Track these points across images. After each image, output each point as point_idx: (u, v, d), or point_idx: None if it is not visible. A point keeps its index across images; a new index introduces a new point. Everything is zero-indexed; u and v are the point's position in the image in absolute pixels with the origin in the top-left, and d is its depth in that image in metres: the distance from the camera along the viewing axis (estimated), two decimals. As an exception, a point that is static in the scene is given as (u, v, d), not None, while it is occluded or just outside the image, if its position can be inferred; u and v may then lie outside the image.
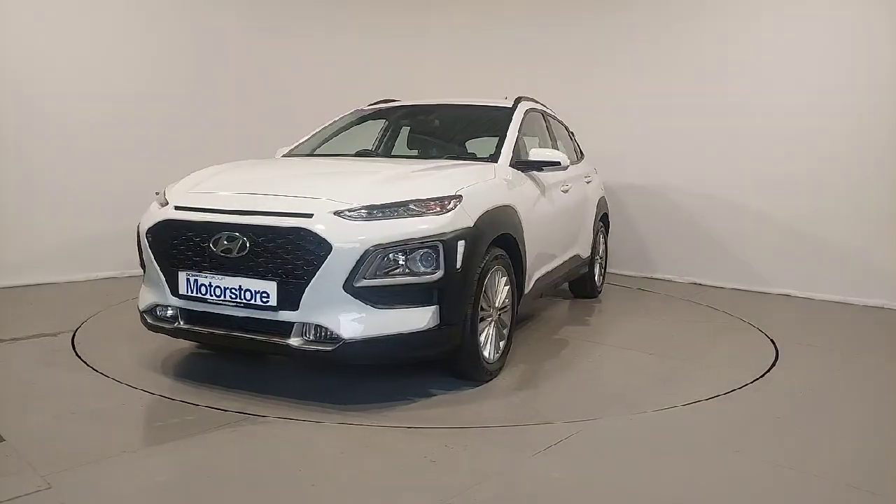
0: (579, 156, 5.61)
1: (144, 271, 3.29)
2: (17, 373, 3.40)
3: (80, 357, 3.62)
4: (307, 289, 2.80)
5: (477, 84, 7.22)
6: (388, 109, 4.96)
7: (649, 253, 6.83)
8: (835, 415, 3.17)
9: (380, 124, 4.98)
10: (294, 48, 7.18)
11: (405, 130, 4.97)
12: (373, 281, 2.82)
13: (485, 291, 3.24)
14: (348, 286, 2.79)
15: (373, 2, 7.73)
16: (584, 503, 2.24)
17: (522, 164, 3.94)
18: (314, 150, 4.54)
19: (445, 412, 2.99)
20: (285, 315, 2.86)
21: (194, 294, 3.00)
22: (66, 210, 5.68)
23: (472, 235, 3.06)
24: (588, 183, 5.39)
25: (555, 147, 4.81)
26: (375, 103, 5.11)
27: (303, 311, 2.83)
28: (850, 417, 3.13)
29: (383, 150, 4.79)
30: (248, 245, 2.87)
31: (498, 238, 3.35)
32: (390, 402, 3.07)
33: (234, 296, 2.91)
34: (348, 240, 2.79)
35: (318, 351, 2.87)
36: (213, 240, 2.94)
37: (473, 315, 3.14)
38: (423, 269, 2.90)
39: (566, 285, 5.60)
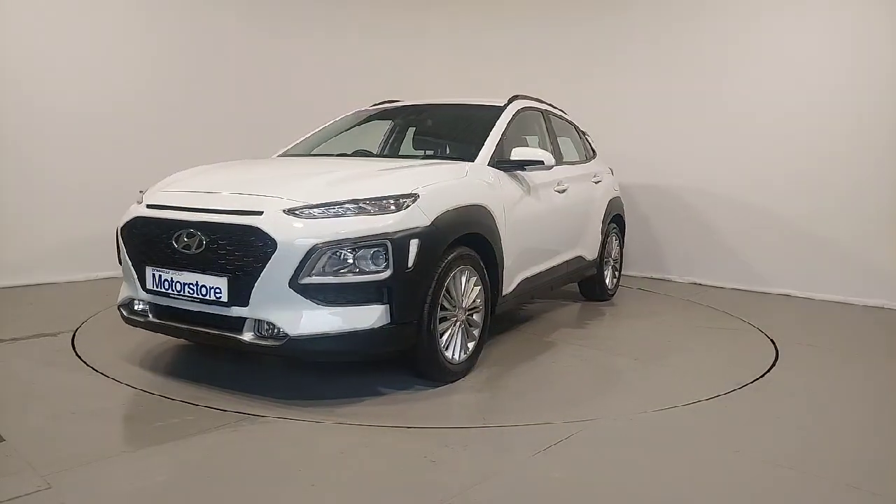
0: (589, 155, 5.52)
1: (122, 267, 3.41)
2: (17, 373, 3.40)
3: (80, 357, 3.63)
4: (256, 285, 2.85)
5: (479, 84, 7.23)
6: (385, 110, 4.98)
7: (649, 253, 6.83)
8: (835, 415, 3.17)
9: (377, 124, 5.00)
10: (294, 48, 7.18)
11: (397, 130, 4.99)
12: (318, 278, 2.85)
13: (447, 291, 3.24)
14: (294, 283, 2.83)
15: (373, 2, 7.74)
16: (584, 503, 2.24)
17: (505, 163, 3.90)
18: (311, 150, 4.57)
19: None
20: (237, 311, 2.92)
21: (159, 289, 3.11)
22: (66, 210, 5.68)
23: (427, 234, 3.05)
24: (597, 183, 5.30)
25: (554, 147, 4.77)
26: (379, 103, 5.14)
27: (253, 307, 2.88)
28: (851, 417, 3.13)
29: (375, 149, 4.81)
30: (204, 242, 2.95)
31: (464, 238, 3.34)
32: (354, 398, 3.07)
33: (191, 291, 3.00)
34: (294, 237, 2.83)
35: (267, 346, 2.92)
36: (174, 237, 3.04)
37: (431, 315, 3.13)
38: (371, 267, 2.90)
39: (575, 287, 5.57)
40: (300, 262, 2.81)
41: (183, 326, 3.13)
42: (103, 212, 5.83)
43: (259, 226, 2.86)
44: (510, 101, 4.43)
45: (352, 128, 4.84)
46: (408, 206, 3.04)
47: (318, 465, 2.44)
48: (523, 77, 7.23)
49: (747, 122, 6.18)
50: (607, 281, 5.59)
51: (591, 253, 5.16)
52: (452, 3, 7.95)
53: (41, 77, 5.55)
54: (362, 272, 2.89)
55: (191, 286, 2.99)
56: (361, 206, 2.97)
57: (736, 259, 6.38)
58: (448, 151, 4.36)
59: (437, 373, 3.29)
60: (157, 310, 3.21)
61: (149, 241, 3.15)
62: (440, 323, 3.23)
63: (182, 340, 3.78)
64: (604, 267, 5.47)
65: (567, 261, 4.75)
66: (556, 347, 4.11)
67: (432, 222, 3.10)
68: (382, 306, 2.94)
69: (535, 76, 7.25)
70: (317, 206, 2.94)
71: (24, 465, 2.33)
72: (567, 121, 5.40)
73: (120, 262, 3.39)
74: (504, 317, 4.80)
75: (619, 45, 6.93)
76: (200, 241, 2.96)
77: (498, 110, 4.28)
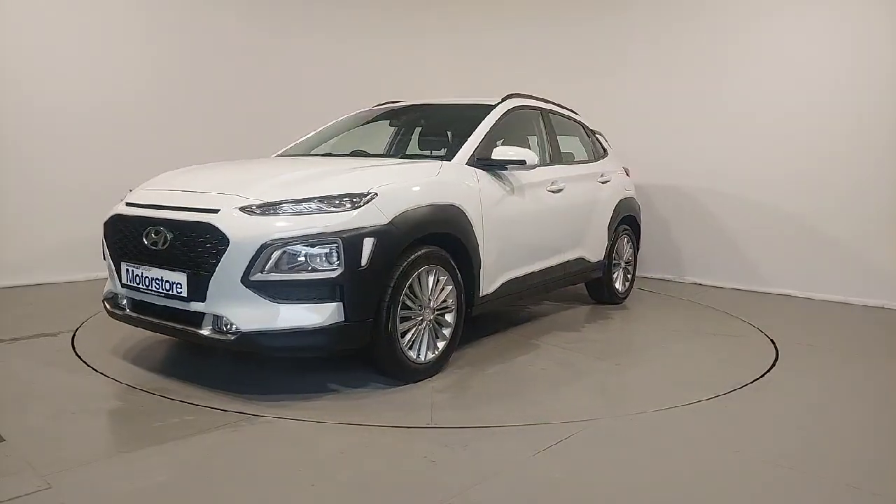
0: (598, 155, 5.41)
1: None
2: (17, 373, 3.40)
3: (80, 357, 3.63)
4: (211, 281, 2.92)
5: (486, 83, 7.21)
6: (387, 111, 4.99)
7: (650, 253, 6.82)
8: (835, 415, 3.17)
9: (378, 124, 5.01)
10: (295, 48, 7.17)
11: (403, 131, 4.98)
12: (269, 275, 2.89)
13: (411, 290, 3.25)
14: (245, 280, 2.88)
15: (374, 2, 7.74)
16: (584, 503, 2.24)
17: (485, 162, 3.87)
18: (310, 150, 4.59)
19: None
20: (196, 306, 3.00)
21: (131, 284, 3.25)
22: (66, 210, 5.68)
23: (384, 233, 3.06)
24: (604, 183, 5.18)
25: (552, 146, 4.70)
26: (383, 104, 5.16)
27: (209, 302, 2.96)
28: (851, 417, 3.13)
29: (375, 149, 4.81)
30: (169, 239, 3.04)
31: (431, 237, 3.35)
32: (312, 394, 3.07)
33: (157, 286, 3.10)
34: (245, 234, 2.89)
35: (223, 341, 2.98)
36: (144, 233, 3.15)
37: (390, 314, 3.13)
38: (323, 265, 2.92)
39: (583, 289, 5.49)
40: (251, 259, 2.87)
41: (155, 321, 3.22)
42: (103, 212, 5.78)
43: (213, 223, 2.94)
44: (502, 101, 4.39)
45: (353, 128, 4.85)
46: (363, 204, 3.06)
47: (318, 465, 2.44)
48: (526, 76, 7.23)
49: (748, 122, 6.18)
50: (617, 284, 5.46)
51: (595, 254, 5.06)
52: (453, 3, 7.95)
53: (41, 77, 5.55)
54: (314, 270, 2.92)
55: (157, 281, 3.10)
56: (316, 205, 3.01)
57: (736, 259, 6.38)
58: (440, 151, 4.34)
59: (398, 371, 3.29)
60: (132, 304, 3.33)
61: (124, 237, 3.28)
62: (404, 322, 3.23)
63: (182, 340, 3.79)
64: (612, 269, 5.35)
65: (565, 262, 4.68)
66: (539, 349, 4.05)
67: (390, 221, 3.11)
68: (335, 304, 2.96)
69: (537, 75, 7.24)
70: (271, 205, 2.99)
71: (24, 465, 2.33)
72: (574, 120, 5.31)
73: (104, 258, 3.51)
74: (499, 317, 4.81)
75: (617, 44, 6.93)
76: (166, 237, 3.05)
77: (487, 109, 4.25)
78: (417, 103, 4.97)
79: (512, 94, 4.53)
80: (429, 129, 4.72)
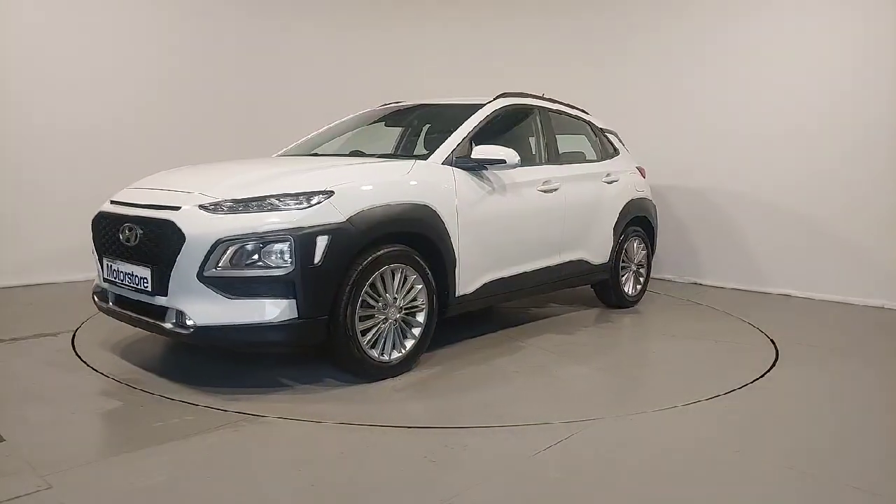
0: (608, 154, 5.31)
1: None
2: (17, 373, 3.40)
3: (80, 357, 3.63)
4: (171, 276, 3.02)
5: (494, 82, 7.20)
6: (388, 111, 5.00)
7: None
8: (835, 415, 3.17)
9: (380, 124, 5.00)
10: (295, 49, 7.17)
11: (410, 132, 4.97)
12: (222, 271, 2.96)
13: (374, 289, 3.26)
14: (200, 275, 2.96)
15: (375, 2, 7.75)
16: (584, 503, 2.24)
17: (465, 162, 3.85)
18: (311, 150, 4.60)
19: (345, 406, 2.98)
20: (160, 300, 3.10)
21: (109, 278, 3.39)
22: (66, 210, 5.67)
23: (340, 231, 3.09)
24: (610, 183, 5.08)
25: (549, 145, 4.62)
26: (387, 104, 5.17)
27: (171, 296, 3.05)
28: (851, 417, 3.13)
29: (375, 149, 4.82)
30: (139, 235, 3.16)
31: (398, 235, 3.37)
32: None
33: (129, 280, 3.23)
34: (200, 231, 2.98)
35: (181, 334, 3.07)
36: (119, 230, 3.26)
37: (347, 312, 3.14)
38: (275, 262, 2.97)
39: (589, 291, 5.41)
40: (206, 256, 2.95)
41: (131, 314, 3.32)
42: (103, 212, 5.85)
43: (173, 220, 3.04)
44: (491, 100, 4.35)
45: (357, 128, 4.86)
46: (318, 203, 3.09)
47: (318, 465, 2.44)
48: (527, 75, 7.22)
49: (747, 122, 6.18)
50: (627, 287, 5.31)
51: (598, 256, 4.96)
52: (454, 3, 7.95)
53: (41, 79, 5.56)
54: (266, 266, 2.97)
55: (129, 276, 3.23)
56: (272, 203, 3.06)
57: (736, 259, 6.38)
58: (417, 149, 4.34)
59: (360, 369, 3.30)
60: (112, 297, 3.46)
61: (105, 233, 3.42)
62: (366, 320, 3.25)
63: (181, 340, 3.78)
64: (621, 272, 5.22)
65: (563, 263, 4.61)
66: (523, 351, 4.00)
67: (348, 219, 3.13)
68: (287, 301, 3.00)
69: (550, 73, 7.21)
70: (229, 202, 3.07)
71: (24, 465, 2.33)
72: (580, 119, 5.22)
73: (93, 253, 3.62)
74: (495, 318, 4.81)
75: (617, 42, 6.94)
76: (137, 234, 3.17)
77: (474, 108, 4.23)
78: (421, 103, 4.95)
79: (504, 94, 4.49)
80: (432, 128, 4.71)
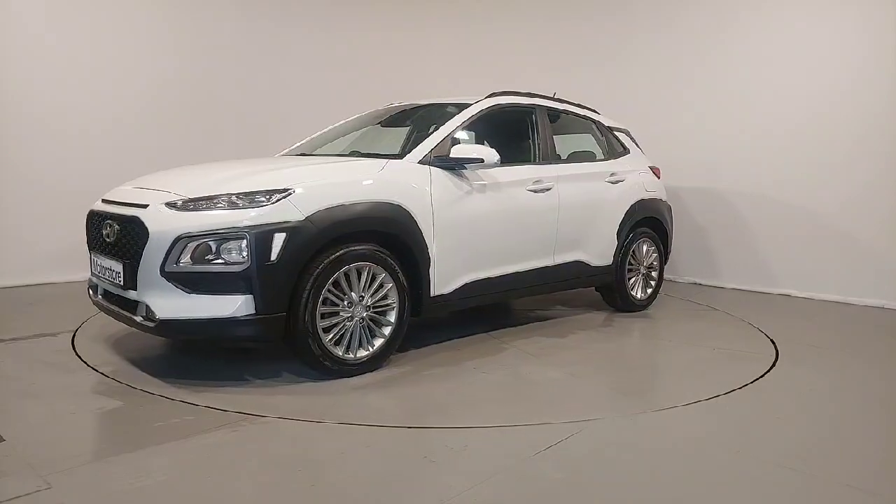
0: (615, 153, 5.19)
1: None
2: (18, 373, 3.40)
3: (80, 357, 3.63)
4: (138, 271, 3.13)
5: (499, 81, 7.20)
6: (388, 111, 5.00)
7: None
8: (835, 415, 3.17)
9: (380, 124, 5.00)
10: (296, 48, 7.18)
11: (387, 130, 4.97)
12: (182, 267, 3.06)
13: (338, 287, 3.29)
14: (162, 271, 3.07)
15: (375, 2, 7.75)
16: (584, 503, 2.24)
17: (443, 161, 3.82)
18: (312, 150, 4.60)
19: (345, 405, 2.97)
20: (131, 294, 3.22)
21: (94, 272, 3.57)
22: (66, 210, 5.67)
23: (299, 229, 3.13)
24: (615, 183, 4.94)
25: (544, 144, 4.55)
26: (392, 104, 5.17)
27: (139, 291, 3.16)
28: (851, 417, 3.13)
29: (378, 148, 4.82)
30: (116, 231, 3.29)
31: (367, 234, 3.40)
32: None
33: (108, 275, 3.37)
34: (162, 228, 3.08)
35: (148, 328, 3.16)
36: (101, 226, 3.42)
37: (307, 308, 3.17)
38: (233, 258, 3.05)
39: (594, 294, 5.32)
40: (167, 252, 3.05)
41: (113, 308, 3.41)
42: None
43: (139, 216, 3.16)
44: (480, 99, 4.32)
45: (360, 129, 4.87)
46: (277, 201, 3.14)
47: (318, 465, 2.44)
48: (545, 76, 7.22)
49: (747, 122, 6.18)
50: (635, 290, 5.15)
51: (599, 258, 4.84)
52: (454, 3, 7.95)
53: (41, 78, 5.57)
54: (225, 263, 3.05)
55: (108, 270, 3.36)
56: (231, 201, 3.14)
57: (736, 259, 6.38)
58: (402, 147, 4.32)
59: (319, 366, 3.31)
60: (101, 291, 3.57)
61: (93, 230, 3.55)
62: (329, 317, 3.28)
63: (182, 340, 3.81)
64: (627, 274, 5.05)
65: (558, 265, 4.53)
66: (504, 353, 3.94)
67: (307, 218, 3.17)
68: (244, 296, 3.07)
69: (556, 70, 7.23)
70: (192, 200, 3.16)
71: (24, 465, 2.33)
72: (585, 117, 5.14)
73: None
74: (490, 319, 4.80)
75: (619, 41, 6.95)
76: (115, 230, 3.30)
77: (459, 108, 4.20)
78: (425, 103, 4.94)
79: (494, 93, 4.46)
80: (432, 128, 4.71)
